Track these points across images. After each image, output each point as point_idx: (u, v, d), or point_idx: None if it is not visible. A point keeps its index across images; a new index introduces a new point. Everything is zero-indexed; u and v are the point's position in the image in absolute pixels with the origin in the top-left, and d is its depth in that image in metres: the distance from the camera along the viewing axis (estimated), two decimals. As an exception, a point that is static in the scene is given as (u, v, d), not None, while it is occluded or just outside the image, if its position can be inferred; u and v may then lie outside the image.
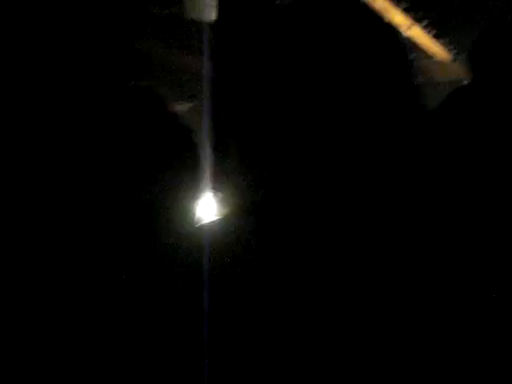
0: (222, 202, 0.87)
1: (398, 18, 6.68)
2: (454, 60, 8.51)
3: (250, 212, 0.85)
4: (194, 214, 1.01)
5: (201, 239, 0.83)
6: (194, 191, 1.00)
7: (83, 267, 0.86)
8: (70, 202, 0.89)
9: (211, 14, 2.86)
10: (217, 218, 0.88)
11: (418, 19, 6.73)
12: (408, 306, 0.89)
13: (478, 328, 0.91)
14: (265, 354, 0.83)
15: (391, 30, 0.98)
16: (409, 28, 7.06)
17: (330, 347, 0.86)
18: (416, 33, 7.29)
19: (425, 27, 6.99)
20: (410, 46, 0.96)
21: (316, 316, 0.87)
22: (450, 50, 8.02)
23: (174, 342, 0.76)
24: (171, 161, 0.96)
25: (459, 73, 8.62)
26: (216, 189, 0.89)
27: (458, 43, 7.81)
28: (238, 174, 0.83)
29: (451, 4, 6.55)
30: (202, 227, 0.98)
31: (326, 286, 0.85)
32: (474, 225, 0.95)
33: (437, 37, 7.42)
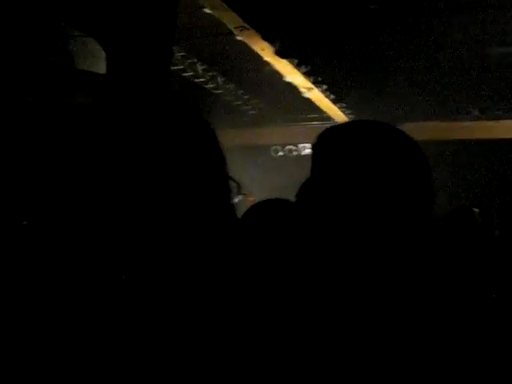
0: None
1: (298, 80, 6.86)
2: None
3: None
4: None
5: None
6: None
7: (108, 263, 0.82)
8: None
9: (100, 66, 2.72)
10: None
11: (317, 83, 6.93)
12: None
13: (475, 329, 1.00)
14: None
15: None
16: (309, 90, 7.27)
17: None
18: (315, 96, 7.53)
19: (324, 91, 7.22)
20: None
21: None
22: (347, 115, 8.35)
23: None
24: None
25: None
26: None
27: (356, 108, 8.15)
28: None
29: (348, 71, 6.81)
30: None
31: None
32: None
33: (335, 101, 7.68)
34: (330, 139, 1.15)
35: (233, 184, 0.87)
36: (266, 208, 1.46)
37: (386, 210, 1.07)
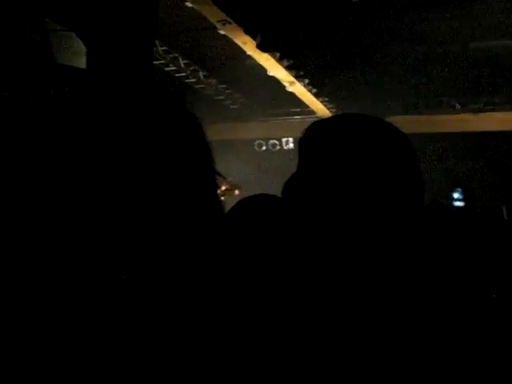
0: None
1: (281, 74, 6.86)
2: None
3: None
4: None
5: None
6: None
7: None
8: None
9: (80, 61, 2.70)
10: None
11: (299, 77, 6.93)
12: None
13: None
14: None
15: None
16: (291, 84, 7.28)
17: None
18: (298, 90, 7.54)
19: (306, 85, 7.22)
20: None
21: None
22: (329, 109, 8.37)
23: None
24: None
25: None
26: None
27: (337, 103, 8.18)
28: None
29: (330, 65, 6.82)
30: None
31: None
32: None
33: (317, 95, 7.69)
34: (316, 133, 1.13)
35: (219, 178, 0.86)
36: (253, 204, 1.45)
37: (376, 203, 1.06)
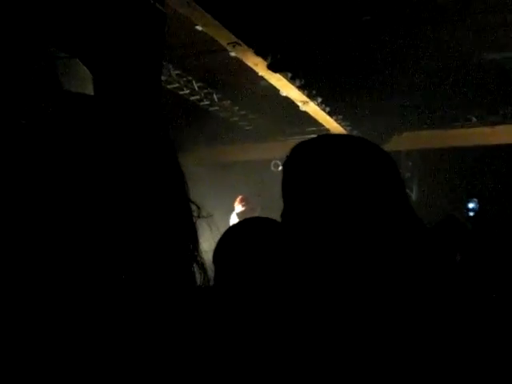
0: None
1: (293, 94, 6.87)
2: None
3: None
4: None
5: None
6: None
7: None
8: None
9: (88, 88, 2.72)
10: None
11: (312, 96, 6.94)
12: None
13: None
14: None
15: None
16: (304, 104, 7.28)
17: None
18: (312, 109, 7.54)
19: (319, 104, 7.22)
20: None
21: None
22: (344, 126, 8.35)
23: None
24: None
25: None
26: None
27: (351, 120, 8.16)
28: None
29: (343, 83, 6.82)
30: None
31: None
32: None
33: (331, 114, 7.69)
34: (297, 156, 1.15)
35: (193, 206, 0.85)
36: (243, 228, 1.45)
37: (364, 217, 1.06)
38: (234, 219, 7.65)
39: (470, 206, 6.12)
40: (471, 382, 0.96)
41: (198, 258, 0.84)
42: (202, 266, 0.83)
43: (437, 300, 1.02)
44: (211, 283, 0.87)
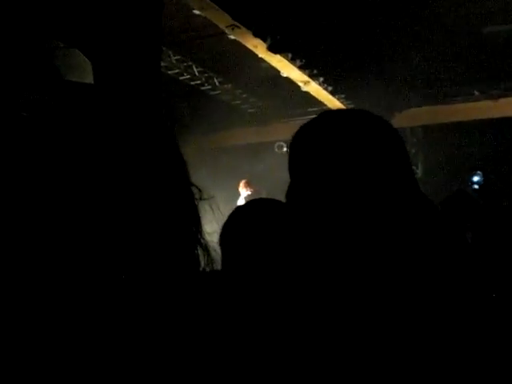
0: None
1: (295, 74, 6.85)
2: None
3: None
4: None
5: None
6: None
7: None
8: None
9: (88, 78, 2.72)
10: None
11: (313, 76, 6.91)
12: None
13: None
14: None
15: None
16: (306, 84, 7.26)
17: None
18: (313, 89, 7.51)
19: (321, 83, 7.19)
20: None
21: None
22: (347, 105, 8.32)
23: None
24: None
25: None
26: None
27: (354, 99, 8.12)
28: None
29: (344, 61, 6.79)
30: None
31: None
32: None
33: (333, 93, 7.65)
34: (302, 135, 1.13)
35: (195, 189, 0.86)
36: (248, 210, 1.45)
37: (372, 197, 1.05)
38: (240, 202, 7.68)
39: (475, 179, 6.09)
40: (473, 377, 0.96)
41: (202, 240, 0.85)
42: (205, 248, 0.84)
43: (446, 287, 1.01)
44: (215, 265, 0.88)
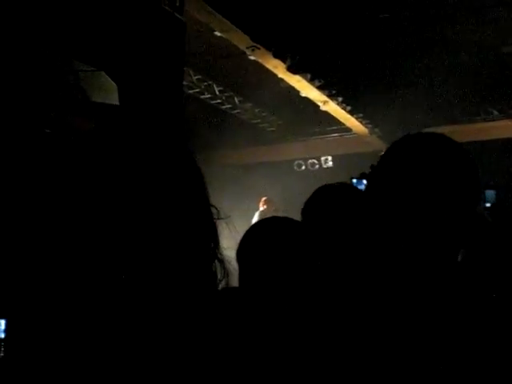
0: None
1: (313, 94, 6.92)
2: (370, 133, 8.89)
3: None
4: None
5: None
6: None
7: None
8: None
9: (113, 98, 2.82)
10: None
11: (332, 96, 6.97)
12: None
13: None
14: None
15: None
16: (324, 104, 7.33)
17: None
18: (332, 108, 7.58)
19: (340, 103, 7.26)
20: None
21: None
22: (365, 125, 8.36)
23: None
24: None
25: (375, 145, 9.01)
26: None
27: (372, 118, 8.16)
28: None
29: (362, 81, 6.84)
30: None
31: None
32: None
33: (352, 112, 7.71)
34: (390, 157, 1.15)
35: (213, 209, 0.92)
36: (261, 228, 1.51)
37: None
38: (255, 218, 7.74)
39: (487, 197, 6.07)
40: (471, 381, 0.97)
41: (219, 255, 0.91)
42: (221, 262, 0.90)
43: (439, 299, 1.03)
44: (231, 277, 0.93)
